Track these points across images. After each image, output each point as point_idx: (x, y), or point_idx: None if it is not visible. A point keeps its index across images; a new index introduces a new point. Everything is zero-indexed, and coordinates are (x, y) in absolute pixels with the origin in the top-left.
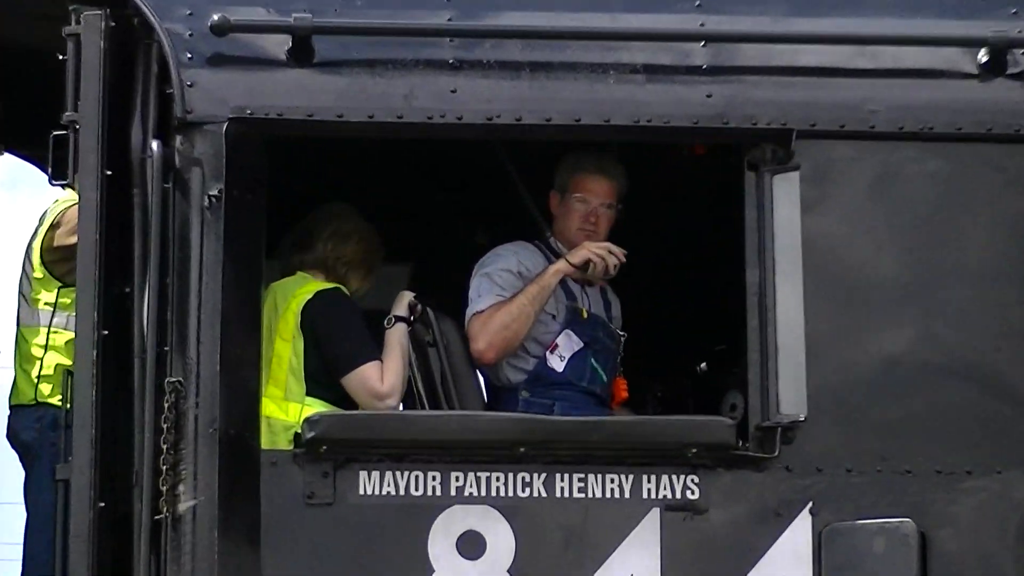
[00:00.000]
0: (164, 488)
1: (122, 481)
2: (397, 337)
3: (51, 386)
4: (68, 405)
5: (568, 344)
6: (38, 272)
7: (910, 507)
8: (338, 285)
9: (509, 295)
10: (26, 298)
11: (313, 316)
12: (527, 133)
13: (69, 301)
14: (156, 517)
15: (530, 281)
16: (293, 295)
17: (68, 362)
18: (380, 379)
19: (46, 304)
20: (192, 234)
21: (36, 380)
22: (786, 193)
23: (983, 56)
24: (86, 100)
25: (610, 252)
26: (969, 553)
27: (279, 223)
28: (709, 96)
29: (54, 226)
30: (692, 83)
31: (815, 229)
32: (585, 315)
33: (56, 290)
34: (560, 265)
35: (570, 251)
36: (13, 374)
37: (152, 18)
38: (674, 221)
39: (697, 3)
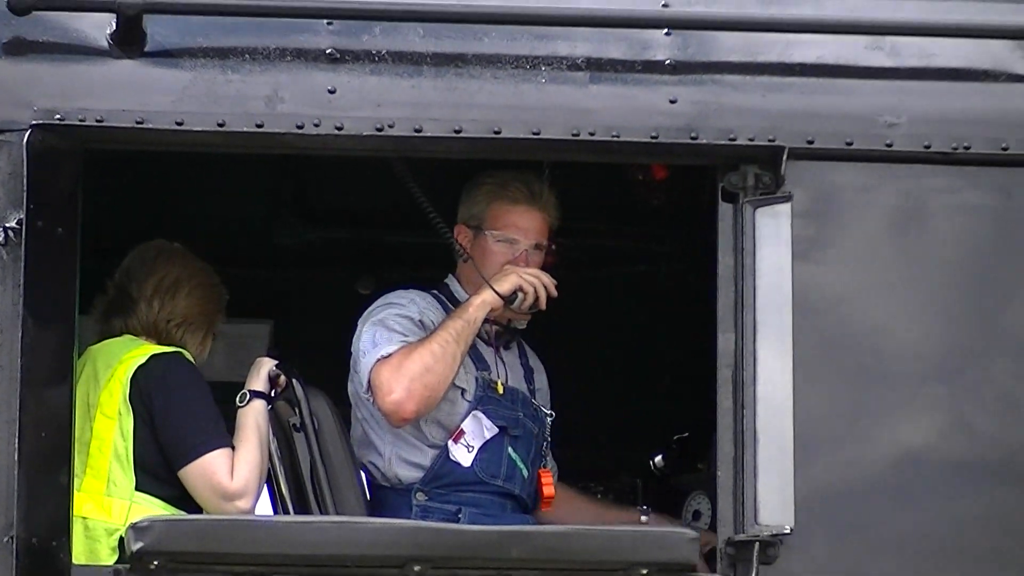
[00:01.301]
0: None
1: None
2: (253, 418)
3: None
4: None
5: (477, 430)
6: None
7: None
8: (179, 349)
9: (421, 337)
10: None
11: (146, 387)
12: (429, 148)
13: None
14: None
15: (449, 316)
16: (120, 360)
17: None
18: (230, 473)
19: None
20: None
21: None
22: (773, 231)
23: None
24: None
25: (541, 281)
26: None
27: (100, 263)
28: (673, 101)
29: None
30: (651, 84)
31: (811, 280)
32: (501, 389)
33: None
34: (486, 295)
35: (492, 279)
36: None
37: None
38: (621, 264)
39: None
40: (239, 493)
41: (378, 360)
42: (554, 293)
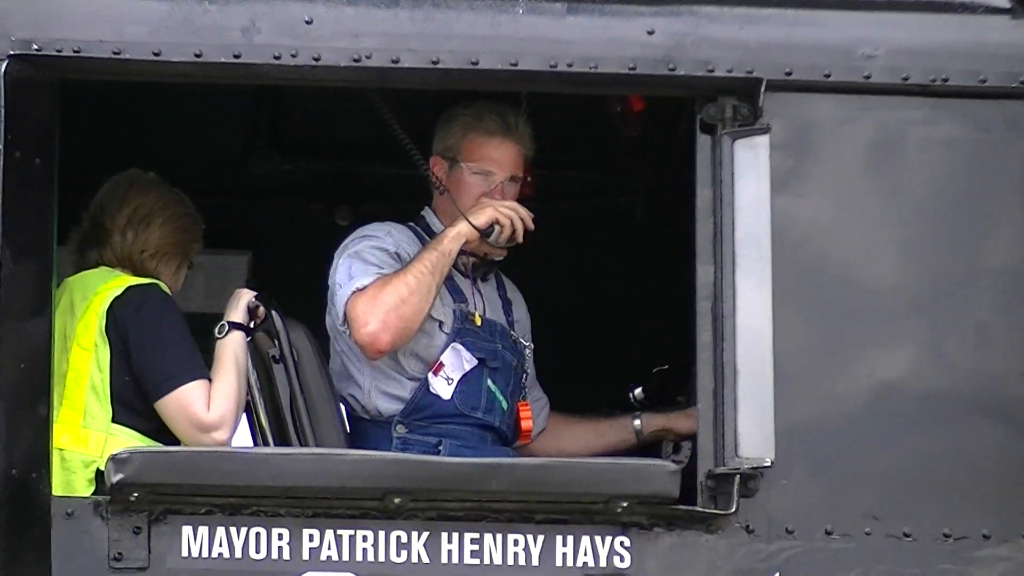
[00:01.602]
0: None
1: None
2: (232, 349)
3: None
4: None
5: (457, 362)
6: None
7: None
8: (155, 281)
9: (395, 270)
10: None
11: (122, 319)
12: (406, 79)
13: None
14: None
15: (424, 248)
16: (96, 292)
17: None
18: (206, 404)
19: None
20: None
21: None
22: (751, 163)
23: None
24: None
25: (519, 214)
26: None
27: (78, 195)
28: (651, 33)
29: None
30: (629, 15)
31: (789, 212)
32: (479, 321)
33: None
34: (461, 227)
35: (468, 211)
36: None
37: None
38: (599, 198)
39: None
40: (215, 425)
41: (354, 292)
42: (531, 226)
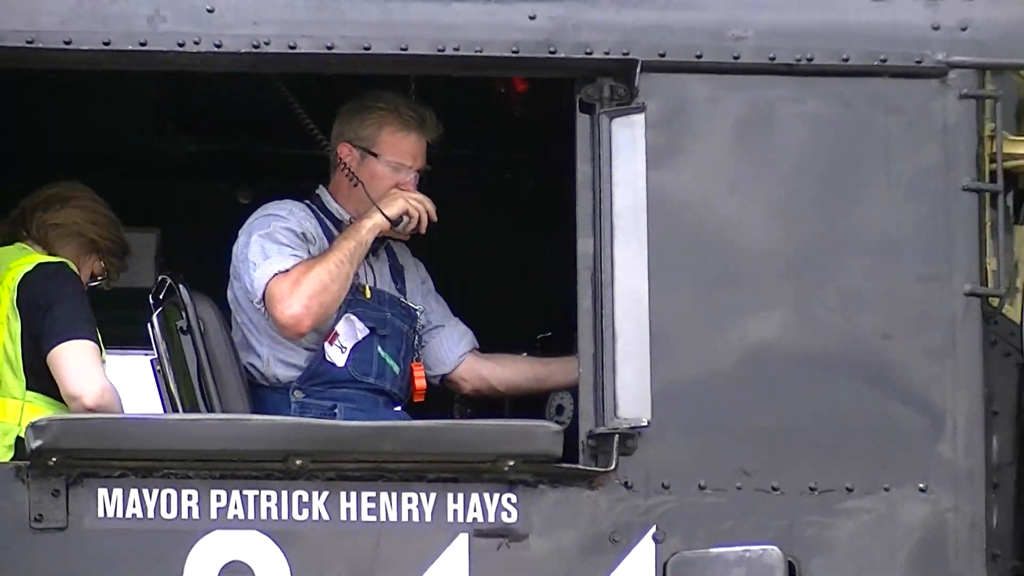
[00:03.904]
0: None
1: None
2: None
3: None
4: None
5: (350, 331)
6: None
7: (777, 532)
8: (64, 260)
9: (304, 256)
10: None
11: (31, 293)
12: (303, 64)
13: None
14: None
15: (341, 236)
16: (8, 268)
17: None
18: (83, 367)
19: None
20: None
21: None
22: (628, 140)
23: None
24: None
25: (425, 207)
26: None
27: None
28: (532, 17)
29: None
30: (511, 1)
31: (664, 186)
32: (368, 294)
33: None
34: (376, 219)
35: (380, 202)
36: None
37: None
38: (486, 175)
39: None
40: (77, 395)
41: (276, 274)
42: (435, 218)
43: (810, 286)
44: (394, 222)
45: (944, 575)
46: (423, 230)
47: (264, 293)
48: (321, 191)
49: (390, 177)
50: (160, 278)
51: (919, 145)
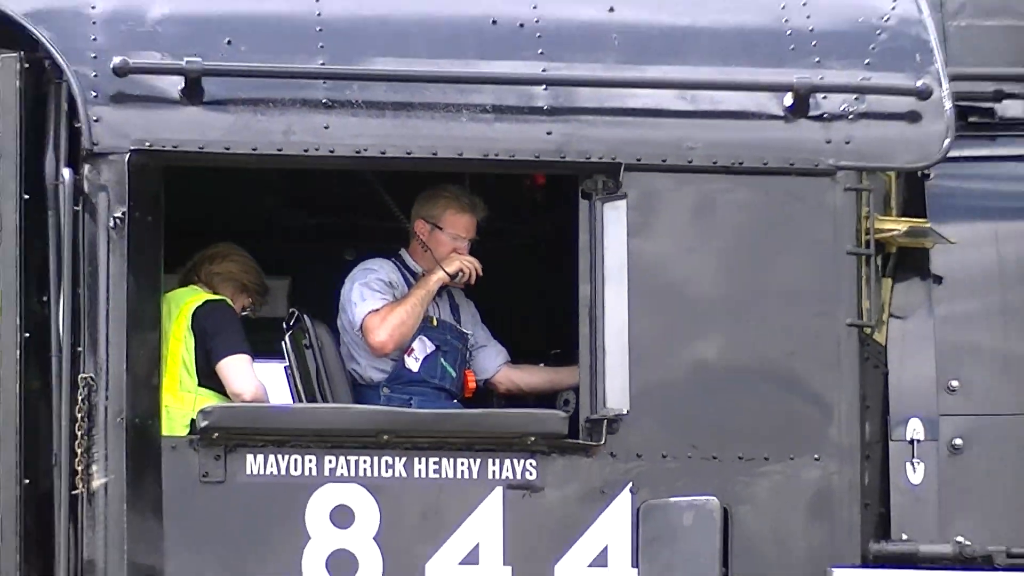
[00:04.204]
0: (80, 468)
1: (44, 463)
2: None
3: None
4: None
5: (422, 348)
6: None
7: (715, 487)
8: (224, 297)
9: (391, 299)
10: None
11: (202, 321)
12: (390, 164)
13: None
14: (73, 492)
15: (416, 286)
16: (185, 303)
17: None
18: (241, 374)
19: None
20: (100, 250)
21: None
22: (615, 219)
23: (788, 99)
24: (4, 134)
25: (474, 267)
26: (765, 526)
27: (176, 241)
28: (549, 133)
29: None
30: (534, 122)
31: (640, 250)
32: (435, 323)
33: None
34: (439, 275)
35: (442, 262)
36: None
37: (61, 61)
38: (516, 241)
39: (540, 51)
40: (238, 394)
41: (369, 312)
42: (481, 274)
43: (741, 319)
44: (452, 276)
45: (831, 518)
46: (473, 282)
47: (361, 325)
48: (403, 252)
49: (450, 244)
50: (291, 310)
51: (816, 223)
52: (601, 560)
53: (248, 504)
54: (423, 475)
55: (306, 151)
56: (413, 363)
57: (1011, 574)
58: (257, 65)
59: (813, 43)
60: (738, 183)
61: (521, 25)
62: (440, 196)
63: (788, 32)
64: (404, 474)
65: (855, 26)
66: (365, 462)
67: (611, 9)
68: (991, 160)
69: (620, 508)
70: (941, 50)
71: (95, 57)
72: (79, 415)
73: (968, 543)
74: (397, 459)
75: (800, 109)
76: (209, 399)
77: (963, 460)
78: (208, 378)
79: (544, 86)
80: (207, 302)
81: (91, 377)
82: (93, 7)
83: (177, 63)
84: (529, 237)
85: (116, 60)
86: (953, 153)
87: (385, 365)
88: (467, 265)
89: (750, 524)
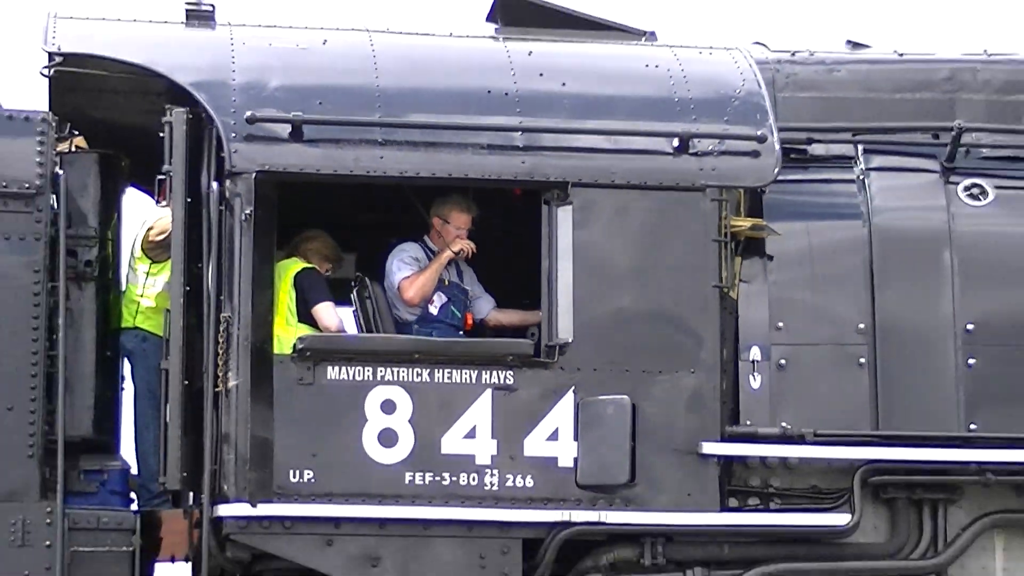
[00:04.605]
0: (220, 374)
1: (197, 370)
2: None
3: (144, 317)
4: (166, 331)
5: (438, 299)
6: (138, 253)
7: (627, 390)
8: (314, 265)
9: (418, 269)
10: (131, 267)
11: (300, 282)
12: (421, 182)
13: (156, 270)
14: (216, 390)
15: (433, 260)
16: (288, 269)
17: (154, 305)
18: (329, 316)
19: (143, 272)
20: (235, 235)
21: (135, 313)
22: (565, 218)
23: (676, 142)
24: (176, 160)
25: (471, 247)
26: (659, 415)
27: (283, 230)
28: (523, 162)
29: (149, 229)
30: (514, 155)
31: (581, 238)
32: (447, 283)
33: (148, 264)
34: (448, 253)
35: (450, 244)
36: (120, 309)
37: (213, 114)
38: (499, 233)
39: (517, 110)
40: (327, 328)
41: (403, 278)
42: (475, 252)
43: (645, 282)
44: (456, 254)
45: (701, 410)
46: (470, 257)
47: (398, 286)
48: (425, 238)
49: (455, 233)
50: (356, 274)
51: (693, 221)
52: (554, 436)
53: (328, 399)
54: (440, 380)
55: (367, 173)
56: (433, 309)
57: (816, 447)
58: (337, 117)
59: (692, 106)
60: (644, 196)
61: (506, 94)
62: (448, 201)
63: (676, 99)
64: (428, 380)
65: (718, 95)
66: (403, 371)
67: (563, 84)
68: (804, 182)
69: (566, 403)
70: (772, 111)
71: (234, 112)
72: (220, 340)
73: (788, 427)
74: (424, 370)
75: (683, 148)
76: (304, 331)
77: (786, 374)
78: (304, 317)
79: (520, 132)
80: (304, 269)
81: (228, 316)
82: (233, 80)
83: (286, 115)
84: (506, 230)
85: (247, 113)
86: (780, 177)
87: (415, 311)
88: (466, 247)
89: (649, 414)
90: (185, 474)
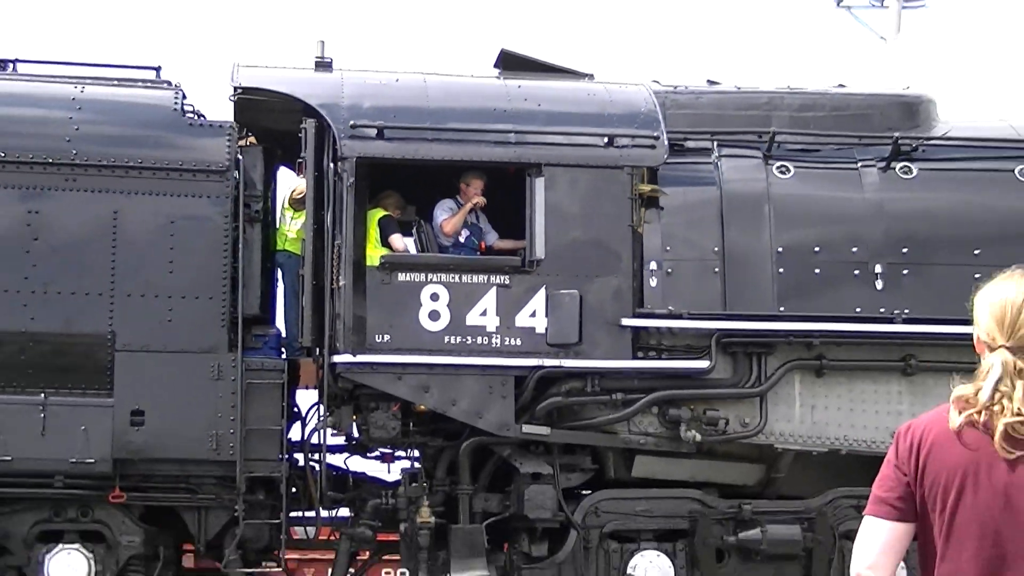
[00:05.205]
0: (334, 275)
1: (323, 274)
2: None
3: (290, 243)
4: (303, 252)
5: (464, 233)
6: (286, 205)
7: (578, 287)
8: (389, 212)
9: (451, 214)
10: (282, 214)
11: (381, 223)
12: (457, 163)
13: (297, 216)
14: (332, 287)
15: (459, 209)
16: (374, 214)
17: (295, 237)
18: (397, 240)
19: (289, 217)
20: (344, 195)
21: (284, 241)
22: (539, 187)
23: (605, 139)
24: (308, 150)
25: (483, 202)
26: (596, 302)
27: (372, 192)
28: (515, 152)
29: (293, 191)
30: (508, 147)
31: (550, 198)
32: (469, 224)
33: (292, 212)
34: (469, 204)
35: (471, 199)
36: (275, 238)
37: (330, 123)
38: (501, 193)
39: (510, 119)
40: (398, 250)
41: (442, 220)
42: (485, 204)
43: (587, 222)
44: (475, 205)
45: (612, 298)
46: (482, 207)
47: (440, 225)
48: (456, 196)
49: (474, 192)
50: (416, 218)
51: (613, 188)
52: (533, 314)
53: (398, 292)
54: (465, 281)
55: (422, 158)
56: (461, 239)
57: (689, 321)
58: (404, 124)
59: (615, 118)
60: (587, 172)
61: (505, 110)
62: (470, 173)
63: (606, 113)
64: (458, 280)
65: (631, 111)
66: (443, 276)
67: (539, 104)
68: (681, 164)
69: (541, 295)
70: (663, 121)
71: (343, 121)
72: (335, 256)
73: (673, 309)
74: (456, 275)
75: (610, 143)
76: (384, 251)
77: (671, 278)
78: (384, 243)
79: (513, 133)
80: (384, 215)
81: (340, 242)
82: (343, 102)
83: (374, 123)
84: (504, 192)
85: (351, 122)
86: (667, 161)
87: (449, 241)
88: (479, 200)
89: (590, 301)
90: (314, 337)
